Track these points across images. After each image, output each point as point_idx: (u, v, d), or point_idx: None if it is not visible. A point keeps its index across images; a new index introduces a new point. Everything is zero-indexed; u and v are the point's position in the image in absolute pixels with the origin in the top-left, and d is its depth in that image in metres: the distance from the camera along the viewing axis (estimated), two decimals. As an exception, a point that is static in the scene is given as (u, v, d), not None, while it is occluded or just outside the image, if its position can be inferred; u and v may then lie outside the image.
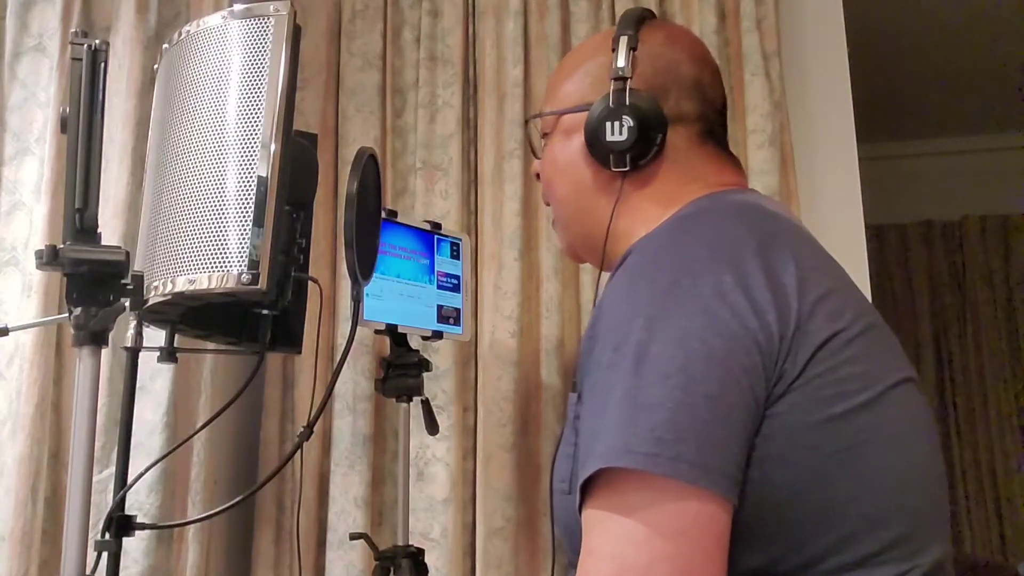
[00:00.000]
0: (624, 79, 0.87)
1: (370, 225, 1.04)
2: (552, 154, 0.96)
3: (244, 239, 0.88)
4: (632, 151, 0.86)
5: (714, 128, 0.91)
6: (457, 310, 1.66)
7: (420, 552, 1.52)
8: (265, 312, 0.97)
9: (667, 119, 0.87)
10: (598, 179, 0.91)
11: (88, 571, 0.91)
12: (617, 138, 0.86)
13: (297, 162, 0.94)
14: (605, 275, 1.98)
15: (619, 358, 0.68)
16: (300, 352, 1.14)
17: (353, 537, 1.61)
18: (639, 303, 0.70)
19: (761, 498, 0.66)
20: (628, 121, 0.85)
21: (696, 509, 0.63)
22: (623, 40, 0.88)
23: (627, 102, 0.86)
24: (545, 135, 0.98)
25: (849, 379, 0.69)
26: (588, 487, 0.66)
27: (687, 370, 0.65)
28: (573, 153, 0.92)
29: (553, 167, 0.96)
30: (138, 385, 1.08)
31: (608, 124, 0.86)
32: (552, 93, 0.97)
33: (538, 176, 1.01)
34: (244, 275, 0.87)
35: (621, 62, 0.88)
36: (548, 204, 1.01)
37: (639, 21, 0.91)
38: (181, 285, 0.90)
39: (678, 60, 0.90)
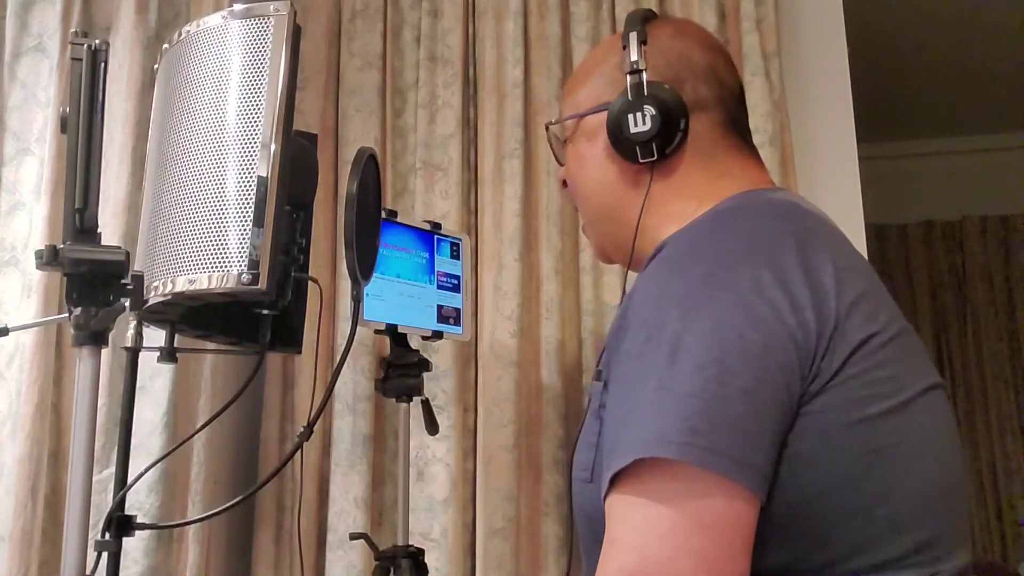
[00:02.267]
0: (639, 71, 0.88)
1: (370, 225, 1.04)
2: (576, 158, 0.96)
3: (244, 239, 0.88)
4: (657, 140, 0.86)
5: (735, 116, 0.91)
6: (457, 310, 1.66)
7: (420, 552, 1.52)
8: (265, 312, 0.97)
9: (687, 105, 0.87)
10: (624, 175, 0.91)
11: (88, 571, 0.91)
12: (641, 128, 0.86)
13: (297, 162, 0.94)
14: (605, 276, 1.97)
15: (652, 348, 0.67)
16: (300, 352, 1.13)
17: (353, 537, 1.61)
18: (673, 294, 0.70)
19: (788, 496, 0.66)
20: (649, 110, 0.86)
21: (724, 503, 0.63)
22: (632, 36, 0.89)
23: (645, 92, 0.87)
24: (566, 142, 0.99)
25: (881, 382, 0.68)
26: (616, 475, 0.66)
27: (723, 362, 0.65)
28: (597, 153, 0.92)
29: (578, 170, 0.96)
30: (138, 385, 1.08)
31: (630, 116, 0.86)
32: (568, 99, 0.98)
33: (564, 184, 1.01)
34: (244, 275, 0.87)
35: (634, 55, 0.88)
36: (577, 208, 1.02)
37: (645, 20, 0.92)
38: (181, 285, 0.90)
39: (689, 48, 0.91)
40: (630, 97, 0.87)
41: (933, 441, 0.72)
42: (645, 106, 0.86)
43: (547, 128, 1.03)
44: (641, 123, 0.86)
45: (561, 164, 1.01)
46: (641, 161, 0.88)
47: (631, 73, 0.88)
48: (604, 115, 0.90)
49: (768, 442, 0.65)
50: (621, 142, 0.88)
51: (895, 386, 0.69)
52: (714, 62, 0.91)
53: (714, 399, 0.64)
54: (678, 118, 0.87)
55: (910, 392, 0.70)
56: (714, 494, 0.63)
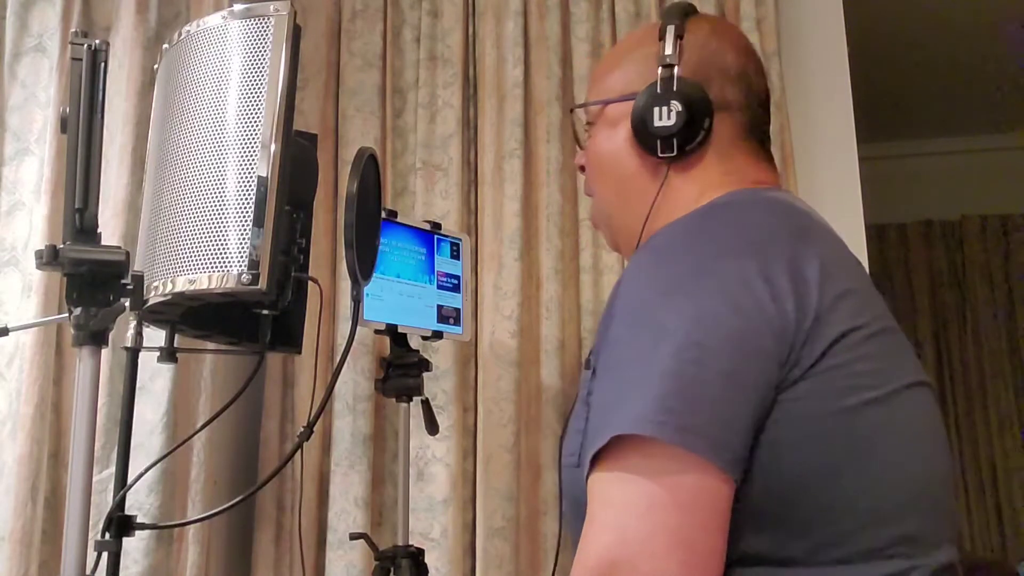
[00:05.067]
0: (671, 66, 0.88)
1: (370, 225, 1.04)
2: (596, 144, 0.96)
3: (244, 239, 0.88)
4: (679, 136, 0.87)
5: (758, 121, 0.92)
6: (457, 310, 1.66)
7: (420, 552, 1.52)
8: (265, 312, 0.97)
9: (713, 106, 0.88)
10: (643, 167, 0.91)
11: (88, 571, 0.91)
12: (664, 123, 0.86)
13: (297, 162, 0.94)
14: (605, 276, 1.96)
15: (636, 334, 0.69)
16: (300, 352, 1.14)
17: (353, 537, 1.61)
18: (659, 281, 0.72)
19: (770, 482, 0.67)
20: (676, 106, 0.86)
21: (698, 481, 0.64)
22: (670, 29, 0.89)
23: (674, 88, 0.87)
24: (589, 125, 0.98)
25: (864, 374, 0.69)
26: (596, 457, 0.67)
27: (702, 346, 0.66)
28: (618, 142, 0.92)
29: (597, 157, 0.96)
30: (138, 385, 1.08)
31: (656, 109, 0.87)
32: (597, 83, 0.98)
33: (582, 168, 1.01)
34: (244, 275, 0.87)
35: (668, 50, 0.88)
36: (590, 195, 1.01)
37: (685, 13, 0.92)
38: (181, 285, 0.90)
39: (723, 50, 0.91)
40: (659, 91, 0.87)
41: (916, 436, 0.73)
42: (672, 101, 0.86)
43: (571, 111, 1.03)
44: (666, 118, 0.86)
45: (581, 147, 1.01)
46: (660, 156, 0.88)
47: (663, 67, 0.88)
48: (629, 105, 0.90)
49: (743, 425, 0.66)
50: (644, 134, 0.88)
51: (878, 379, 0.70)
52: (746, 66, 0.91)
53: (692, 380, 0.65)
54: (702, 117, 0.87)
55: (893, 386, 0.71)
56: (688, 472, 0.64)
